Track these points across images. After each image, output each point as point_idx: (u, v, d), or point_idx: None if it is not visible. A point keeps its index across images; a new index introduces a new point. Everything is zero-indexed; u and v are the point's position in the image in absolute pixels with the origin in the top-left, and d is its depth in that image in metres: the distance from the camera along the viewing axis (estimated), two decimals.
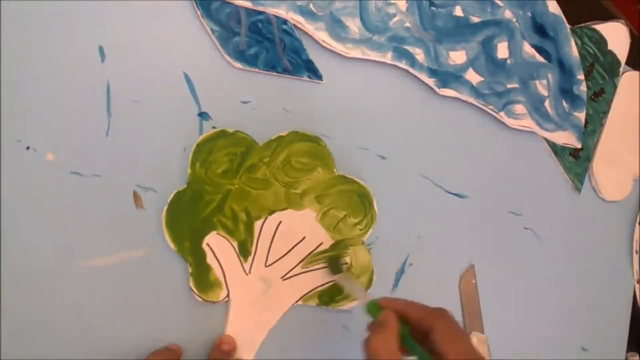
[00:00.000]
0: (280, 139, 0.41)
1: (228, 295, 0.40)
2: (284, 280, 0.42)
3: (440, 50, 0.47)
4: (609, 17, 0.57)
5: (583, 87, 0.53)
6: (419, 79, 0.46)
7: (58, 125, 0.36)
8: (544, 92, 0.51)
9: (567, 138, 0.53)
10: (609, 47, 0.56)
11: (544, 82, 0.51)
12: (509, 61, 0.50)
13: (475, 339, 0.49)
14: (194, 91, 0.40)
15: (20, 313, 0.35)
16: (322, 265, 0.43)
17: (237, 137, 0.40)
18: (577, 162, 0.56)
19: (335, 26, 0.43)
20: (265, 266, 0.41)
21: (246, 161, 0.40)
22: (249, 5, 0.40)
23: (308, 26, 0.42)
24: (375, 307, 0.37)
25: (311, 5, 0.42)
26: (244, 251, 0.40)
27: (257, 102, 0.42)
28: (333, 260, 0.43)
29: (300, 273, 0.42)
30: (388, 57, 0.45)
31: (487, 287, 0.51)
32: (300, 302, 0.42)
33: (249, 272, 0.41)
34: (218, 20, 0.40)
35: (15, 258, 0.35)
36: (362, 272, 0.44)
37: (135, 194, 0.38)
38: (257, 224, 0.41)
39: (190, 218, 0.39)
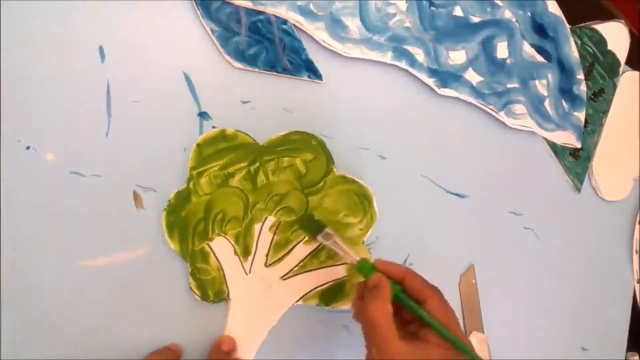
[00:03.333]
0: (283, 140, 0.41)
1: (228, 295, 0.40)
2: (283, 280, 0.42)
3: (440, 50, 0.47)
4: (609, 17, 0.57)
5: (583, 87, 0.53)
6: (419, 78, 0.46)
7: (58, 125, 0.36)
8: (544, 92, 0.51)
9: (567, 138, 0.53)
10: (609, 47, 0.56)
11: (544, 82, 0.51)
12: (508, 61, 0.50)
13: (475, 339, 0.49)
14: (194, 91, 0.40)
15: (20, 313, 0.35)
16: (317, 263, 0.43)
17: (237, 137, 0.40)
18: (577, 162, 0.56)
19: (335, 26, 0.43)
20: (265, 266, 0.41)
21: (246, 161, 0.40)
22: (249, 5, 0.40)
23: (308, 26, 0.42)
24: (367, 267, 0.37)
25: (311, 5, 0.42)
26: (244, 251, 0.40)
27: (257, 102, 0.42)
28: (308, 220, 0.42)
29: (300, 273, 0.42)
30: (388, 57, 0.45)
31: (487, 287, 0.51)
32: (300, 302, 0.42)
33: (249, 272, 0.41)
34: (218, 20, 0.40)
35: (15, 258, 0.35)
36: None
37: (135, 194, 0.38)
38: (257, 224, 0.41)
39: (190, 218, 0.39)
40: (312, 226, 0.41)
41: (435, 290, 0.36)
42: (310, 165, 0.42)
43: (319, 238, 0.40)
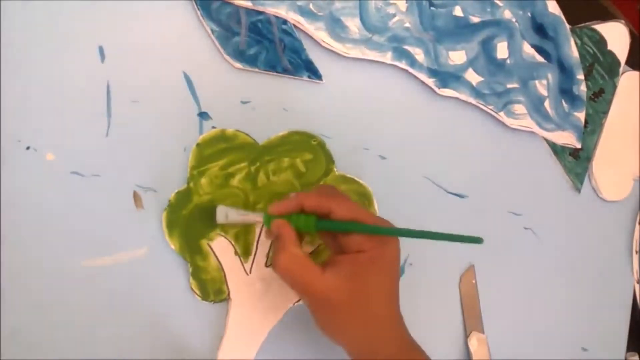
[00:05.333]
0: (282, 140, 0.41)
1: (228, 295, 0.40)
2: None
3: (440, 50, 0.47)
4: (609, 17, 0.57)
5: (583, 87, 0.53)
6: (418, 79, 0.46)
7: (58, 125, 0.36)
8: (544, 92, 0.51)
9: (567, 138, 0.53)
10: (609, 47, 0.56)
11: (544, 82, 0.51)
12: (508, 61, 0.50)
13: (475, 339, 0.49)
14: (194, 91, 0.40)
15: (20, 313, 0.35)
16: None
17: (237, 137, 0.40)
18: (577, 162, 0.56)
19: (335, 26, 0.43)
20: (266, 266, 0.41)
21: (247, 161, 0.40)
22: (249, 5, 0.40)
23: (308, 26, 0.42)
24: (268, 219, 0.36)
25: (311, 5, 0.42)
26: (245, 251, 0.40)
27: (257, 102, 0.42)
28: (200, 214, 0.39)
29: None
30: (388, 57, 0.45)
31: (487, 287, 0.51)
32: (300, 302, 0.42)
33: (250, 272, 0.41)
34: (218, 20, 0.40)
35: (15, 258, 0.35)
36: None
37: (135, 194, 0.38)
38: (258, 224, 0.41)
39: (191, 218, 0.39)
40: (205, 218, 0.39)
41: (332, 195, 0.35)
42: (310, 165, 0.42)
43: (219, 220, 0.37)
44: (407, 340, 0.35)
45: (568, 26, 0.52)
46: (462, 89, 0.48)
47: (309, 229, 0.34)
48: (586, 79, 0.54)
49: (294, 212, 0.35)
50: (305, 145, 0.42)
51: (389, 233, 0.33)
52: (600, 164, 0.57)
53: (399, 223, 0.47)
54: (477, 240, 0.32)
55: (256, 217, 0.37)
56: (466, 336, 0.50)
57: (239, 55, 0.40)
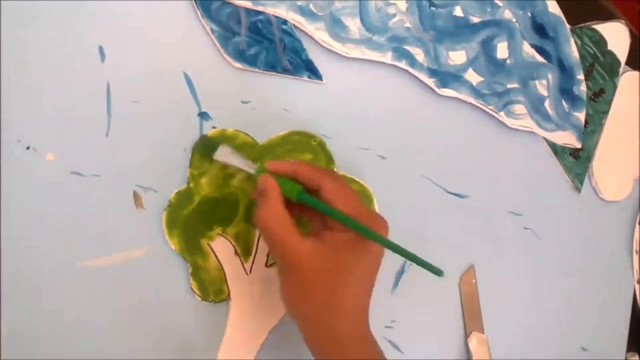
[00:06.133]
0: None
1: (229, 295, 0.40)
2: None
3: (440, 50, 0.47)
4: (609, 17, 0.57)
5: (583, 87, 0.53)
6: (418, 79, 0.46)
7: (58, 125, 0.36)
8: (544, 92, 0.51)
9: (567, 138, 0.53)
10: (609, 47, 0.56)
11: (544, 82, 0.51)
12: (508, 61, 0.50)
13: (475, 339, 0.49)
14: (194, 91, 0.40)
15: (20, 313, 0.35)
16: None
17: (237, 137, 0.40)
18: (577, 162, 0.56)
19: (335, 26, 0.43)
20: (266, 266, 0.41)
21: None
22: (249, 5, 0.40)
23: (308, 26, 0.42)
24: (260, 172, 0.35)
25: (311, 5, 0.42)
26: (245, 251, 0.40)
27: (257, 102, 0.42)
28: (201, 144, 0.39)
29: None
30: (388, 57, 0.45)
31: (487, 287, 0.51)
32: None
33: (250, 272, 0.41)
34: (218, 20, 0.40)
35: (15, 258, 0.35)
36: None
37: (135, 194, 0.38)
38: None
39: (191, 218, 0.39)
40: (206, 148, 0.39)
41: (329, 172, 0.34)
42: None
43: (217, 157, 0.38)
44: (366, 334, 0.33)
45: (568, 26, 0.52)
46: (462, 89, 0.48)
47: (291, 196, 0.33)
48: (586, 79, 0.54)
49: (286, 175, 0.34)
50: (305, 145, 0.42)
51: (364, 233, 0.32)
52: (600, 164, 0.57)
53: (399, 223, 0.47)
54: (437, 272, 0.32)
55: (250, 167, 0.36)
56: (466, 336, 0.50)
57: (239, 55, 0.40)
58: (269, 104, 0.42)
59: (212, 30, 0.40)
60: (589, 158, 0.56)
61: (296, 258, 0.31)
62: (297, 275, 0.32)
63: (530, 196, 0.54)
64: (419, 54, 0.46)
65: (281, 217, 0.32)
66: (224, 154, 0.37)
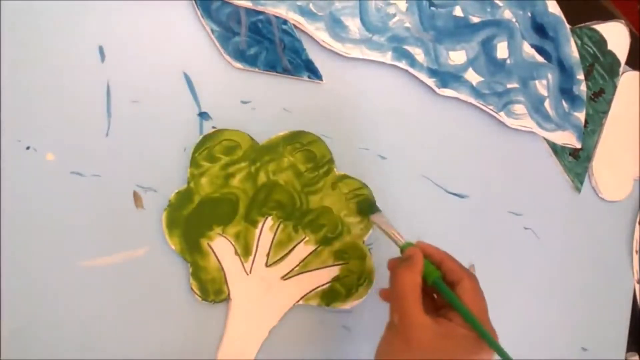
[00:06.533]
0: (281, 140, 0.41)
1: (229, 295, 0.40)
2: (284, 280, 0.42)
3: (440, 50, 0.47)
4: (609, 17, 0.57)
5: (583, 87, 0.53)
6: (418, 79, 0.46)
7: (58, 125, 0.36)
8: (544, 92, 0.51)
9: (567, 138, 0.53)
10: (609, 47, 0.56)
11: (544, 82, 0.51)
12: (508, 61, 0.50)
13: None
14: (194, 91, 0.40)
15: (20, 313, 0.35)
16: (318, 263, 0.43)
17: (237, 137, 0.40)
18: (577, 162, 0.56)
19: (335, 26, 0.43)
20: (266, 266, 0.41)
21: (247, 161, 0.40)
22: (249, 5, 0.40)
23: (308, 26, 0.42)
24: (408, 246, 0.38)
25: (311, 5, 0.42)
26: (245, 251, 0.40)
27: (257, 102, 0.42)
28: (365, 201, 0.43)
29: (301, 273, 0.42)
30: (388, 57, 0.45)
31: (487, 287, 0.51)
32: (301, 302, 0.42)
33: (250, 272, 0.41)
34: (218, 20, 0.40)
35: (15, 258, 0.35)
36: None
37: (135, 194, 0.38)
38: (258, 224, 0.41)
39: (191, 218, 0.39)
40: (368, 207, 0.43)
41: (470, 275, 0.36)
42: (314, 147, 0.42)
43: (373, 219, 0.41)
44: None
45: (568, 26, 0.52)
46: (462, 89, 0.48)
47: (428, 278, 0.35)
48: (586, 79, 0.54)
49: (432, 260, 0.37)
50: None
51: (483, 335, 0.33)
52: (600, 164, 0.57)
53: (399, 223, 0.47)
54: None
55: (399, 238, 0.39)
56: None
57: (239, 55, 0.40)
58: (269, 104, 0.42)
59: (212, 30, 0.40)
60: (589, 158, 0.56)
61: (408, 326, 0.33)
62: (403, 337, 0.33)
63: (530, 196, 0.54)
64: (419, 54, 0.46)
65: (417, 284, 0.34)
66: (379, 218, 0.41)
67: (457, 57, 0.47)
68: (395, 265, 0.36)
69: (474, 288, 0.36)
